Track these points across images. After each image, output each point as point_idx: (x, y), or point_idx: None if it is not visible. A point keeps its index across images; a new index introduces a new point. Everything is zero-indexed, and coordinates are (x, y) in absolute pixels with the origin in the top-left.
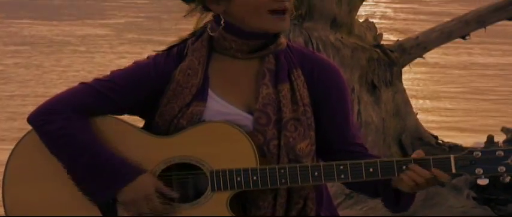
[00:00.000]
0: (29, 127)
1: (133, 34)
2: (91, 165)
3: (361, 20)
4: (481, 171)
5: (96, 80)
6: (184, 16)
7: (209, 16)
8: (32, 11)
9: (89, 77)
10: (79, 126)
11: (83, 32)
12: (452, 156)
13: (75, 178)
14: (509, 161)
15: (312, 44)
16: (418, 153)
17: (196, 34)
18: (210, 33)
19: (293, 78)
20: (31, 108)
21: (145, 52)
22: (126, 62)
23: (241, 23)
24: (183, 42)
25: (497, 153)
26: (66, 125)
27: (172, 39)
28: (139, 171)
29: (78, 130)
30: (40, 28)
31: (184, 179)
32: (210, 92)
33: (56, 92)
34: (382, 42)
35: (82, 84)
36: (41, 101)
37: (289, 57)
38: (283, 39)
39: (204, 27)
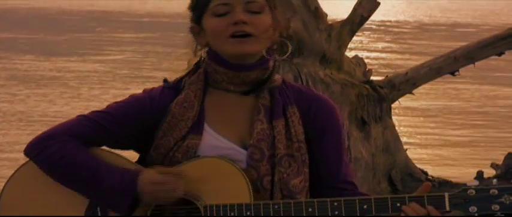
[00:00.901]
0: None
1: (126, 70)
2: (95, 178)
3: (350, 56)
4: (475, 209)
5: (93, 112)
6: (185, 51)
7: (204, 50)
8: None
9: (75, 114)
10: (76, 147)
11: (78, 68)
12: (446, 194)
13: (87, 194)
14: (503, 199)
15: (302, 80)
16: (425, 186)
17: (193, 69)
18: (203, 65)
19: (288, 115)
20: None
21: (137, 89)
22: (115, 99)
23: (218, 52)
24: (180, 77)
25: (491, 191)
26: (63, 147)
27: (166, 74)
28: (137, 169)
29: (74, 151)
30: (33, 63)
31: (178, 214)
32: (205, 125)
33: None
34: (371, 78)
35: (79, 116)
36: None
37: (285, 93)
38: (277, 76)
39: (200, 61)
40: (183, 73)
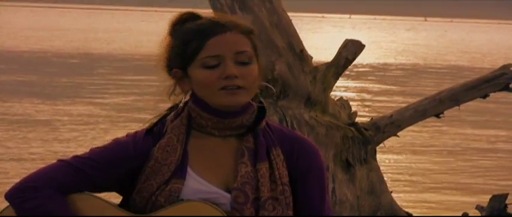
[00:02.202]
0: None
1: (124, 113)
2: None
3: (335, 98)
4: None
5: (75, 157)
6: (167, 94)
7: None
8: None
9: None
10: (57, 204)
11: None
12: None
13: None
14: None
15: (287, 122)
16: None
17: (176, 112)
18: (187, 109)
19: (272, 157)
20: None
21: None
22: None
23: (206, 100)
24: (162, 120)
25: None
26: (44, 203)
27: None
28: None
29: (56, 208)
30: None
31: None
32: (188, 169)
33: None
34: (356, 121)
35: (60, 161)
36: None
37: (269, 136)
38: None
39: (183, 105)
40: (167, 116)
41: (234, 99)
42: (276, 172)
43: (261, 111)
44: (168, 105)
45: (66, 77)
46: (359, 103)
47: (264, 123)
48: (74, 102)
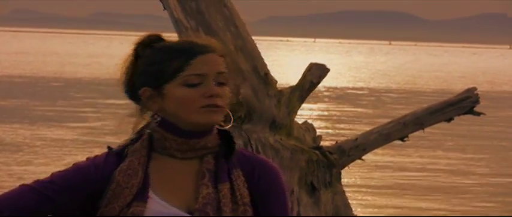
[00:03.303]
0: None
1: (99, 137)
2: None
3: (300, 122)
4: None
5: (37, 181)
6: (128, 116)
7: (148, 117)
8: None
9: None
10: None
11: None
12: None
13: None
14: None
15: (251, 146)
16: None
17: (136, 135)
18: (146, 131)
19: (233, 178)
20: None
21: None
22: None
23: (177, 120)
24: (123, 144)
25: None
26: None
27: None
28: None
29: None
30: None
31: None
32: (150, 192)
33: None
34: (321, 144)
35: (22, 185)
36: None
37: (229, 157)
38: (218, 141)
39: (144, 128)
40: (127, 139)
41: (213, 117)
42: (237, 193)
43: (226, 135)
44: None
45: (41, 100)
46: (324, 126)
47: (234, 146)
48: (49, 125)
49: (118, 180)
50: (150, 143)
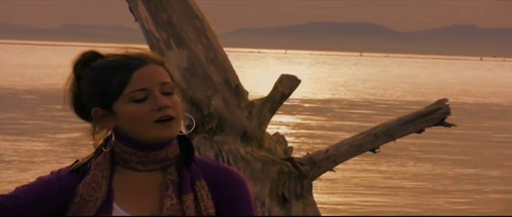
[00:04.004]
0: None
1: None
2: None
3: (271, 133)
4: None
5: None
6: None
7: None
8: None
9: None
10: None
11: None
12: None
13: None
14: None
15: (223, 157)
16: None
17: (98, 148)
18: (104, 149)
19: (197, 189)
20: None
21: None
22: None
23: (134, 135)
24: (87, 158)
25: None
26: None
27: None
28: None
29: None
30: None
31: None
32: (114, 205)
33: None
34: (292, 156)
35: None
36: None
37: (192, 168)
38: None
39: (104, 142)
40: (91, 153)
41: (169, 131)
42: (202, 204)
43: (186, 143)
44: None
45: (16, 112)
46: (295, 138)
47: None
48: (24, 137)
49: (82, 193)
50: (112, 156)
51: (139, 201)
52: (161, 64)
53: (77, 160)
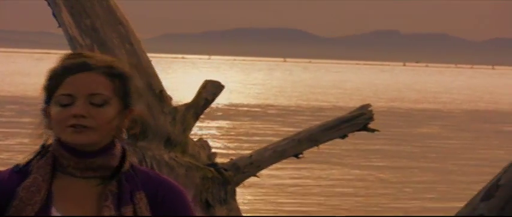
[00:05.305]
0: None
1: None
2: None
3: (195, 139)
4: None
5: None
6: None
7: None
8: None
9: None
10: None
11: None
12: None
13: None
14: None
15: (146, 163)
16: None
17: (41, 151)
18: (50, 150)
19: (136, 201)
20: None
21: None
22: None
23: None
24: (29, 161)
25: None
26: None
27: None
28: None
29: None
30: None
31: None
32: (53, 210)
33: None
34: (216, 161)
35: None
36: None
37: (132, 179)
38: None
39: (48, 145)
40: (32, 156)
41: (79, 137)
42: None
43: (123, 154)
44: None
45: None
46: (219, 143)
47: (128, 165)
48: None
49: (21, 196)
50: (54, 161)
51: (78, 208)
52: (112, 76)
53: (18, 165)
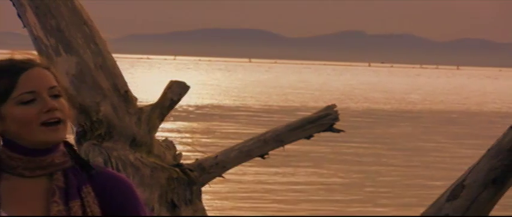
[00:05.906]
0: None
1: None
2: None
3: (160, 139)
4: None
5: None
6: None
7: None
8: None
9: None
10: None
11: None
12: None
13: None
14: None
15: (111, 164)
16: None
17: None
18: None
19: (83, 195)
20: None
21: None
22: None
23: (21, 139)
24: None
25: None
26: None
27: None
28: None
29: None
30: None
31: None
32: (1, 211)
33: None
34: (181, 162)
35: None
36: None
37: (79, 173)
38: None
39: None
40: None
41: (56, 135)
42: (88, 210)
43: (71, 149)
44: None
45: None
46: (184, 144)
47: (70, 161)
48: None
49: None
50: None
51: (27, 208)
52: (47, 68)
53: None
